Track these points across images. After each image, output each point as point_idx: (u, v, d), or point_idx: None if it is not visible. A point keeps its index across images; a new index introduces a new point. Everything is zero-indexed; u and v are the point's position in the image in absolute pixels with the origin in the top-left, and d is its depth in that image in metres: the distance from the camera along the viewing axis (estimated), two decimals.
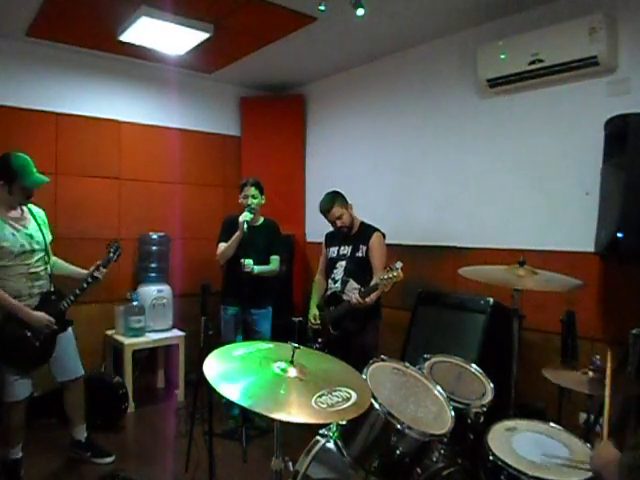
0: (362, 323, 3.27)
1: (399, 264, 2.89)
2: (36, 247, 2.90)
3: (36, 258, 2.90)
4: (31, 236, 2.89)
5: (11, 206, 2.86)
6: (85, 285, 2.98)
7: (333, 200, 3.36)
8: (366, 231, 3.38)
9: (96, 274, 3.00)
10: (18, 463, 2.90)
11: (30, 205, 2.99)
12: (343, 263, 3.39)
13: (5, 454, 2.89)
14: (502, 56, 3.26)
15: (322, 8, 3.10)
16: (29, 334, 2.82)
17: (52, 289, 3.00)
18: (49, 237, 3.06)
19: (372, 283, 3.05)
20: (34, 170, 2.86)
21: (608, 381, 1.64)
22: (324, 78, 4.95)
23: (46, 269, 2.98)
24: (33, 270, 2.87)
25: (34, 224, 2.96)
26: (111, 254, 3.08)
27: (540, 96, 3.29)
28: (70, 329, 3.07)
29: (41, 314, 2.83)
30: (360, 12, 3.11)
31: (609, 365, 1.72)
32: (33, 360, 2.89)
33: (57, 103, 4.18)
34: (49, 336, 2.90)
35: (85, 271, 3.06)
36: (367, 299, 3.05)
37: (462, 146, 3.76)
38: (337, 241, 3.48)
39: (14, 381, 2.81)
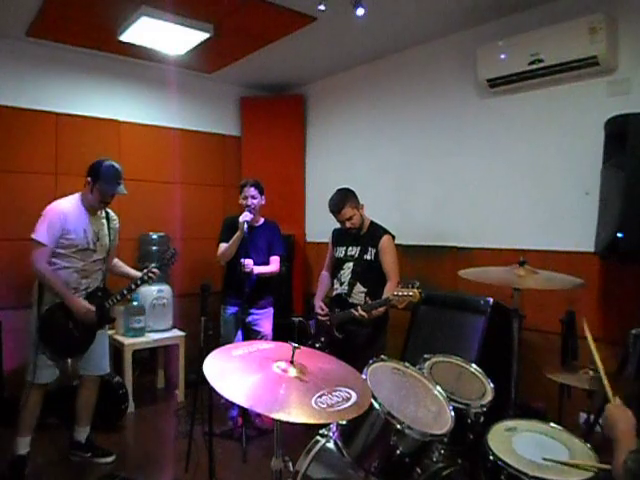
0: (368, 328, 3.15)
1: (416, 283, 2.69)
2: (98, 249, 3.03)
3: (94, 258, 3.03)
4: (98, 239, 3.03)
5: (91, 205, 3.00)
6: (134, 286, 3.09)
7: (345, 200, 3.15)
8: (376, 233, 3.22)
9: (150, 275, 3.09)
10: (24, 460, 2.91)
11: (108, 210, 3.15)
12: (350, 265, 3.25)
13: (12, 448, 2.90)
14: (502, 56, 3.27)
15: (322, 8, 3.11)
16: (71, 325, 2.94)
17: (100, 286, 3.10)
18: (116, 242, 3.24)
19: (384, 297, 2.91)
20: (118, 180, 2.98)
21: (592, 343, 1.78)
22: (324, 78, 4.95)
23: (100, 269, 3.10)
24: (87, 267, 3.00)
25: (105, 228, 3.10)
26: (165, 259, 3.20)
27: (540, 96, 3.29)
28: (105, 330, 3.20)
29: (83, 303, 2.94)
30: (360, 12, 3.12)
31: (588, 332, 1.89)
32: (71, 348, 3.03)
33: (57, 103, 4.18)
34: (89, 329, 3.01)
35: (139, 273, 3.17)
36: (374, 312, 2.94)
37: (462, 146, 3.76)
38: (345, 240, 3.31)
39: (45, 365, 2.90)
